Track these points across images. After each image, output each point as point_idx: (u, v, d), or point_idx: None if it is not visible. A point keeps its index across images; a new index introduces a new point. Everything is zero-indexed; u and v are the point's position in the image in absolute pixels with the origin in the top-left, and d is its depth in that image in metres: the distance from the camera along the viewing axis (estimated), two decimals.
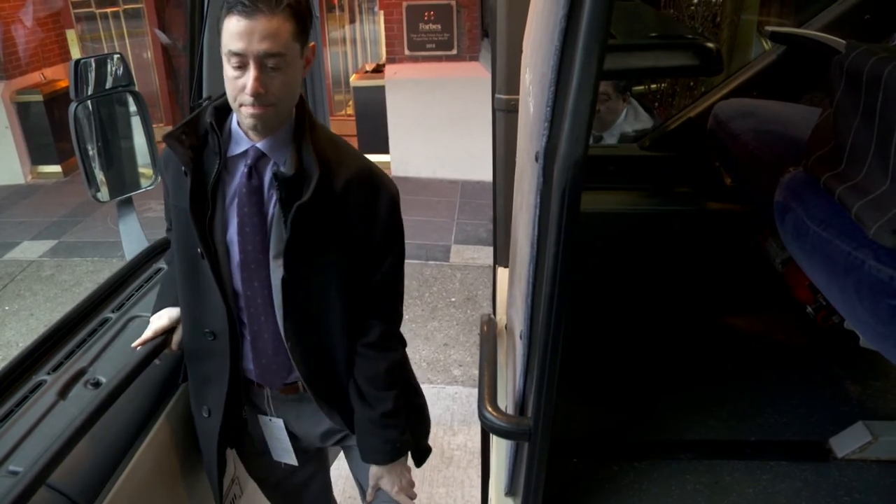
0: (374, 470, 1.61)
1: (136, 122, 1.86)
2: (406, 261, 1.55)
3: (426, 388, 1.79)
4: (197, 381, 1.58)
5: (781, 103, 1.80)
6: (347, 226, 1.41)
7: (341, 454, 1.89)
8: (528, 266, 0.95)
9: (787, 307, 1.71)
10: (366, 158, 1.49)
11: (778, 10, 5.13)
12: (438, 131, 6.44)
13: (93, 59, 1.73)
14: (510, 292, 1.57)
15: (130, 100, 1.82)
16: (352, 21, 9.85)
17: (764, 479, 1.32)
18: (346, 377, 1.54)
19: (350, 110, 7.81)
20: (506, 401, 1.30)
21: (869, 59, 1.05)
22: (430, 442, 1.75)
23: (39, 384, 1.46)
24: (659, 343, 1.77)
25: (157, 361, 1.55)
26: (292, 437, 1.67)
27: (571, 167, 0.76)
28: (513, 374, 1.24)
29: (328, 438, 1.69)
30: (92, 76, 1.72)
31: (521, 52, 1.47)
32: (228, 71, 1.27)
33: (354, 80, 7.22)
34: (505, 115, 1.76)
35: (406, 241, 1.54)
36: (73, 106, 1.66)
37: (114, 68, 1.79)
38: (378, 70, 7.19)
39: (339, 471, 2.40)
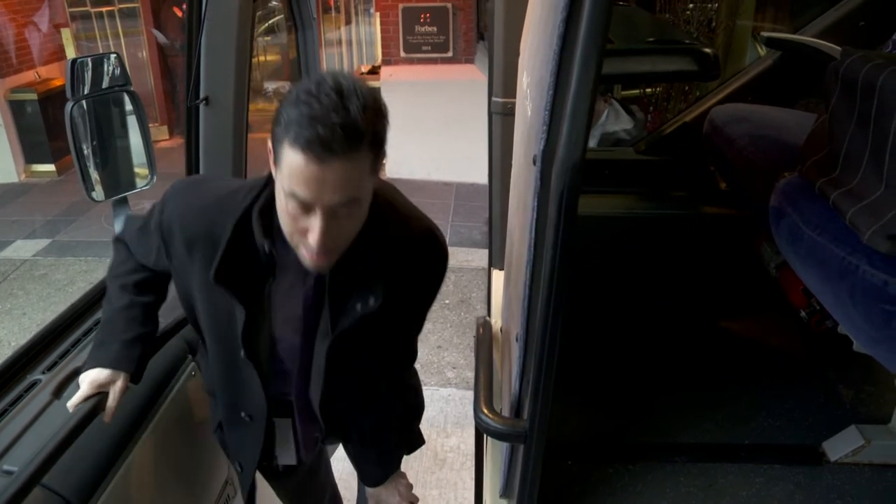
0: (370, 491, 1.61)
1: (132, 122, 1.85)
2: None
3: None
4: (233, 443, 1.56)
5: (777, 108, 1.81)
6: (403, 302, 1.29)
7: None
8: (524, 269, 0.95)
9: (782, 311, 1.72)
10: (429, 226, 1.32)
11: (773, 15, 5.16)
12: (433, 133, 6.43)
13: (89, 59, 1.71)
14: (506, 295, 1.57)
15: (127, 100, 1.82)
16: (348, 23, 9.87)
17: (758, 482, 1.33)
18: (358, 414, 1.52)
19: None
20: (501, 403, 1.31)
21: (864, 65, 1.05)
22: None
23: (34, 384, 1.45)
24: (654, 346, 1.78)
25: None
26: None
27: (569, 170, 0.77)
28: (508, 377, 1.24)
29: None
30: (88, 76, 1.72)
31: (517, 55, 1.47)
32: (288, 205, 1.05)
33: None
34: (501, 119, 1.76)
35: None
36: (69, 105, 1.65)
37: (110, 68, 1.77)
38: (374, 72, 7.19)
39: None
